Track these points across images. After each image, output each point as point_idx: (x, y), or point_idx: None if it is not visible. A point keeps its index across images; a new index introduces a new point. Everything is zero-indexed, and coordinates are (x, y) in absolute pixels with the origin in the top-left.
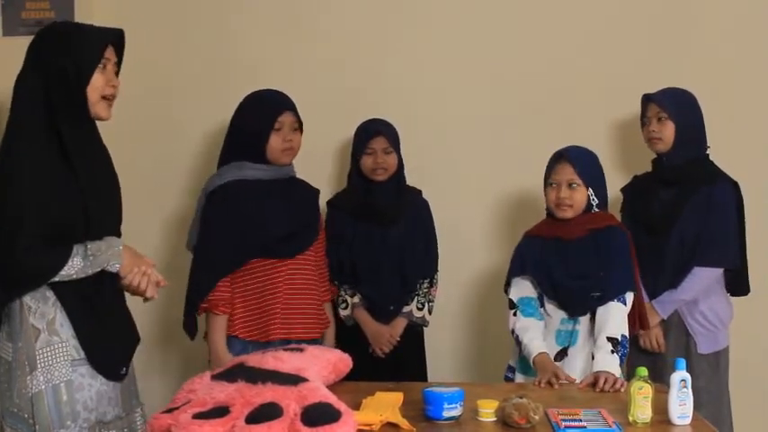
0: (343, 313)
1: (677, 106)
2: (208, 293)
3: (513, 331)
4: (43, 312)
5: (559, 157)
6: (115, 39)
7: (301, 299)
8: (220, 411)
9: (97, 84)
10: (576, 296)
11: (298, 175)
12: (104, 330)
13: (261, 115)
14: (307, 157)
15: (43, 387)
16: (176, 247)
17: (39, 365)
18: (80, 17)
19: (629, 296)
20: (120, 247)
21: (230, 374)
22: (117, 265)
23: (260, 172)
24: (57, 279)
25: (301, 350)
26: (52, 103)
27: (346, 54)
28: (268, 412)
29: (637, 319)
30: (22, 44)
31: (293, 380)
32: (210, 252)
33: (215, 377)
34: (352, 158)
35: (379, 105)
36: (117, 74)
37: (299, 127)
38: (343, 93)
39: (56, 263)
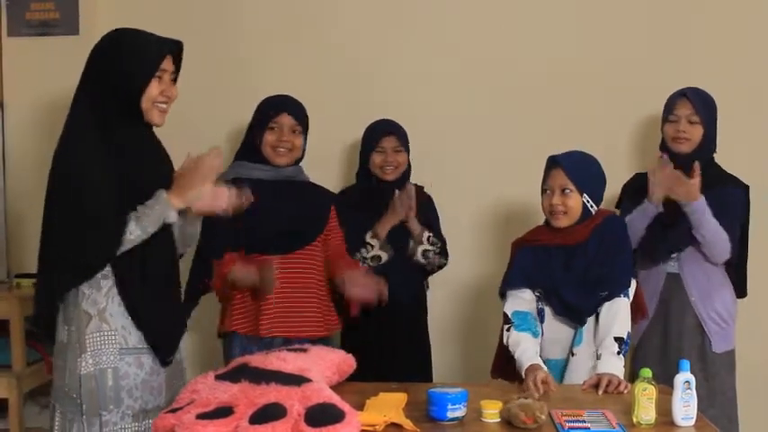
0: (370, 254)
1: (707, 109)
2: (212, 269)
3: (507, 345)
4: (95, 300)
5: (552, 163)
6: (174, 50)
7: (298, 297)
8: (224, 411)
9: (152, 94)
10: (585, 311)
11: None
12: (161, 315)
13: (259, 114)
14: (312, 158)
15: (92, 369)
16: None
17: (88, 349)
18: (84, 18)
19: (633, 285)
20: (164, 195)
21: (234, 375)
22: (173, 214)
23: (259, 171)
24: (123, 248)
25: (305, 350)
26: (107, 108)
27: (350, 57)
28: (272, 413)
29: (637, 308)
30: (26, 44)
31: (297, 380)
32: (209, 241)
33: (218, 377)
34: (361, 157)
35: (381, 107)
36: (175, 81)
37: (302, 131)
38: (348, 95)
39: (115, 232)
